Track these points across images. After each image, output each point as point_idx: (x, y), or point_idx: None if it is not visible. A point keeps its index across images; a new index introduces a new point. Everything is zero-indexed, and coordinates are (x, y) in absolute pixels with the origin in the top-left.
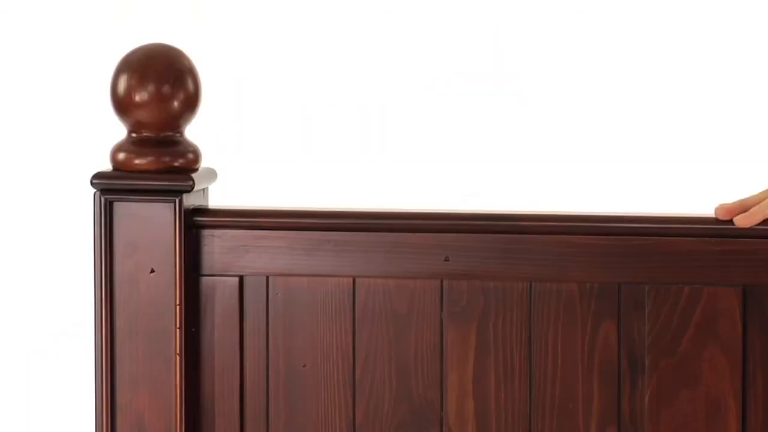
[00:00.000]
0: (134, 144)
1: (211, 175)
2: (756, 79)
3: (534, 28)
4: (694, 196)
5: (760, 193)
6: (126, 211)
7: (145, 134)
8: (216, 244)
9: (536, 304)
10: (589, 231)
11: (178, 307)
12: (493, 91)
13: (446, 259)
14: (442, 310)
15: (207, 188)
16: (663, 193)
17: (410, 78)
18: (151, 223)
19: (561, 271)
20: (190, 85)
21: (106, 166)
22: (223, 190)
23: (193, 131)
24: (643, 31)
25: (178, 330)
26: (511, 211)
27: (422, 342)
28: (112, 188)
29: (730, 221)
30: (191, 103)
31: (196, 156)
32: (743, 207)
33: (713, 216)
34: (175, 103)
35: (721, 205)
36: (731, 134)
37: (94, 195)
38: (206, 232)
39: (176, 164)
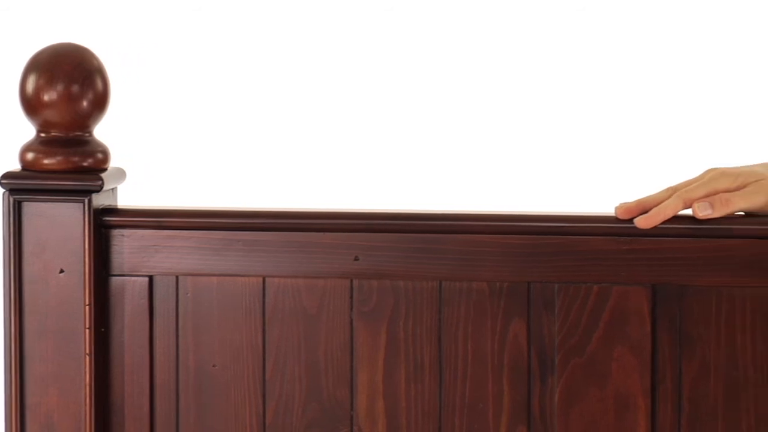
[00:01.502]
0: (43, 144)
1: (120, 174)
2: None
3: (534, 28)
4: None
5: (659, 192)
6: (35, 210)
7: (53, 134)
8: (125, 244)
9: (446, 303)
10: (499, 230)
11: (87, 307)
12: (493, 90)
13: (356, 259)
14: (352, 310)
15: (116, 188)
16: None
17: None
18: (60, 222)
19: (471, 271)
20: (99, 85)
21: (16, 166)
22: (134, 190)
23: (103, 131)
24: (640, 32)
25: (87, 330)
26: (420, 211)
27: (332, 341)
28: (21, 188)
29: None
30: (100, 102)
31: (105, 156)
32: (642, 207)
33: (613, 214)
34: (84, 103)
35: (620, 204)
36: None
37: (3, 195)
38: (115, 232)
39: (85, 164)
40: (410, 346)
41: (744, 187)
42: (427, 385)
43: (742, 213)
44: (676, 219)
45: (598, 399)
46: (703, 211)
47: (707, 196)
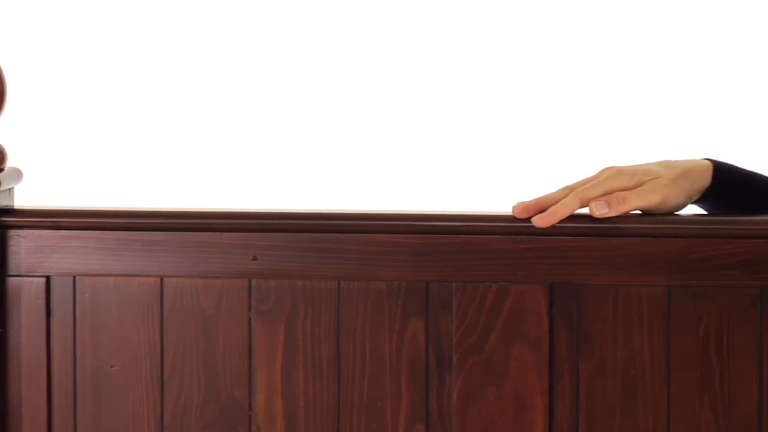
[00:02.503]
0: None
1: (17, 175)
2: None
3: (534, 28)
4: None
5: (556, 191)
6: None
7: None
8: (22, 245)
9: (344, 302)
10: (397, 230)
11: None
12: (493, 90)
13: (254, 258)
14: (250, 309)
15: (12, 188)
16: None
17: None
18: None
19: (369, 270)
20: None
21: None
22: (34, 191)
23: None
24: (640, 32)
25: None
26: (318, 210)
27: (230, 341)
28: None
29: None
30: None
31: (2, 156)
32: (540, 206)
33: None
34: None
35: (518, 203)
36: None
37: None
38: (12, 233)
39: None
40: (308, 346)
41: (640, 185)
42: (325, 385)
43: (639, 212)
44: (573, 218)
45: (496, 398)
46: (599, 210)
47: (604, 194)
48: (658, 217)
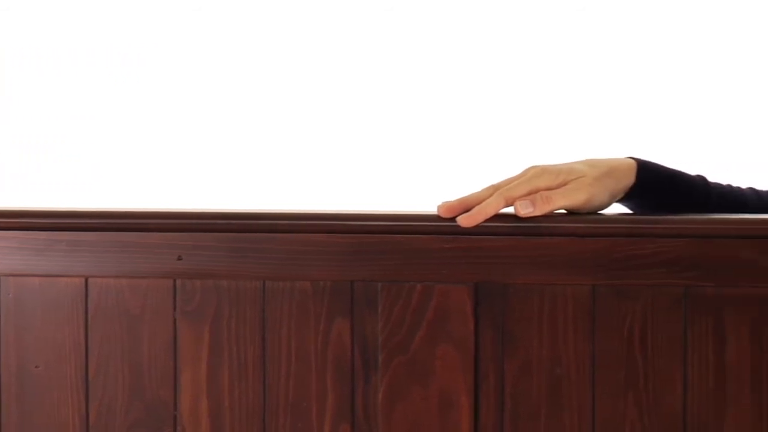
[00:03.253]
0: None
1: None
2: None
3: (534, 28)
4: None
5: (481, 190)
6: None
7: None
8: None
9: (269, 302)
10: (322, 229)
11: None
12: (493, 90)
13: (179, 258)
14: (175, 309)
15: None
16: None
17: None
18: None
19: (294, 270)
20: None
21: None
22: (34, 191)
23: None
24: (640, 32)
25: None
26: (243, 210)
27: (156, 341)
28: None
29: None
30: None
31: None
32: (464, 205)
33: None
34: None
35: (443, 202)
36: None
37: None
38: None
39: None
40: (233, 346)
41: (565, 185)
42: (250, 385)
43: (564, 211)
44: (498, 217)
45: (421, 397)
46: (524, 209)
47: (529, 194)
48: (583, 217)
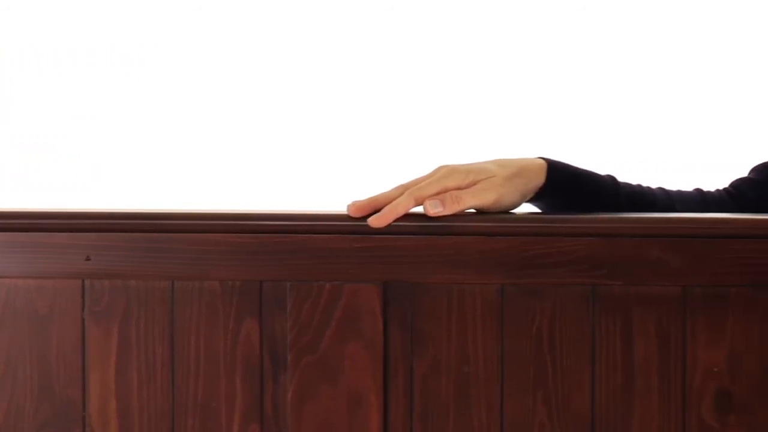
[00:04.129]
0: None
1: None
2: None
3: (534, 28)
4: None
5: (391, 190)
6: None
7: None
8: None
9: (178, 302)
10: (230, 229)
11: None
12: (492, 90)
13: (87, 259)
14: (83, 310)
15: None
16: None
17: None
18: None
19: (203, 270)
20: None
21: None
22: (34, 191)
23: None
24: (640, 32)
25: None
26: (151, 210)
27: (64, 341)
28: None
29: (365, 218)
30: None
31: None
32: (374, 205)
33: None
34: None
35: (353, 202)
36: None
37: None
38: None
39: None
40: (142, 346)
41: (474, 184)
42: (159, 385)
43: (473, 210)
44: (408, 216)
45: (330, 397)
46: (433, 209)
47: (438, 193)
48: (492, 216)
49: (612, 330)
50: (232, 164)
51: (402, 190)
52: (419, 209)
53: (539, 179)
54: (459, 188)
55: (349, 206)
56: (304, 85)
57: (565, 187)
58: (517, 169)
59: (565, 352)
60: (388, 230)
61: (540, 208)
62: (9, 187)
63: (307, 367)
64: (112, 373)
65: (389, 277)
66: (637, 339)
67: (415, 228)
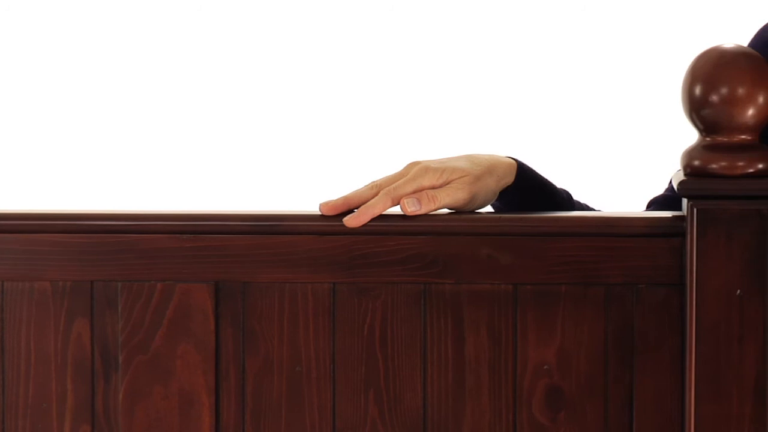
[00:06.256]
0: None
1: None
2: None
3: (534, 28)
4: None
5: (363, 189)
6: None
7: None
8: None
9: (8, 303)
10: (61, 229)
11: None
12: (492, 90)
13: None
14: None
15: None
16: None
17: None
18: None
19: (33, 270)
20: None
21: None
22: (34, 191)
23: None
24: (640, 32)
25: None
26: None
27: None
28: None
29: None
30: None
31: None
32: (348, 204)
33: (178, 212)
34: None
35: (326, 201)
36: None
37: None
38: None
39: None
40: None
41: (448, 183)
42: None
43: (447, 210)
44: (238, 216)
45: (162, 396)
46: (411, 207)
47: (414, 192)
48: (320, 215)
49: (444, 328)
50: (231, 164)
51: (375, 188)
52: (395, 209)
53: (509, 178)
54: (433, 187)
55: (321, 205)
56: (303, 85)
57: (529, 192)
58: (488, 167)
59: (396, 351)
60: (219, 229)
61: (494, 208)
62: (9, 188)
63: (138, 367)
64: None
65: (221, 276)
66: (469, 337)
67: (246, 227)
